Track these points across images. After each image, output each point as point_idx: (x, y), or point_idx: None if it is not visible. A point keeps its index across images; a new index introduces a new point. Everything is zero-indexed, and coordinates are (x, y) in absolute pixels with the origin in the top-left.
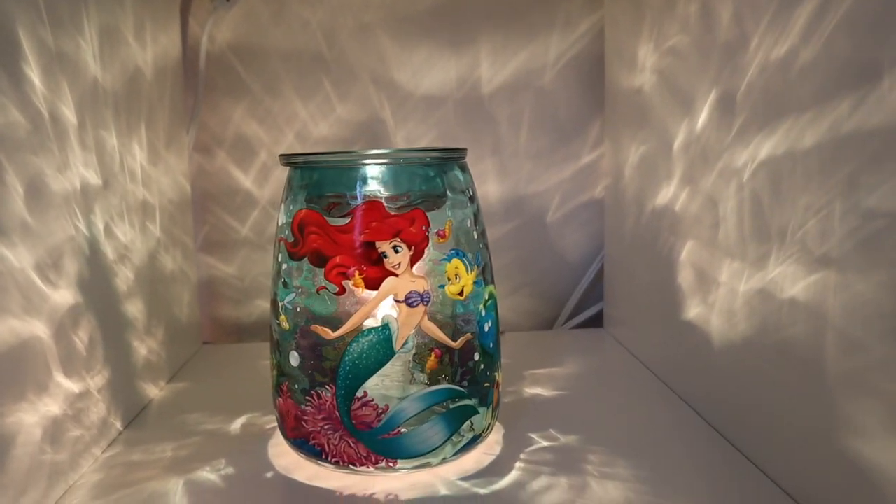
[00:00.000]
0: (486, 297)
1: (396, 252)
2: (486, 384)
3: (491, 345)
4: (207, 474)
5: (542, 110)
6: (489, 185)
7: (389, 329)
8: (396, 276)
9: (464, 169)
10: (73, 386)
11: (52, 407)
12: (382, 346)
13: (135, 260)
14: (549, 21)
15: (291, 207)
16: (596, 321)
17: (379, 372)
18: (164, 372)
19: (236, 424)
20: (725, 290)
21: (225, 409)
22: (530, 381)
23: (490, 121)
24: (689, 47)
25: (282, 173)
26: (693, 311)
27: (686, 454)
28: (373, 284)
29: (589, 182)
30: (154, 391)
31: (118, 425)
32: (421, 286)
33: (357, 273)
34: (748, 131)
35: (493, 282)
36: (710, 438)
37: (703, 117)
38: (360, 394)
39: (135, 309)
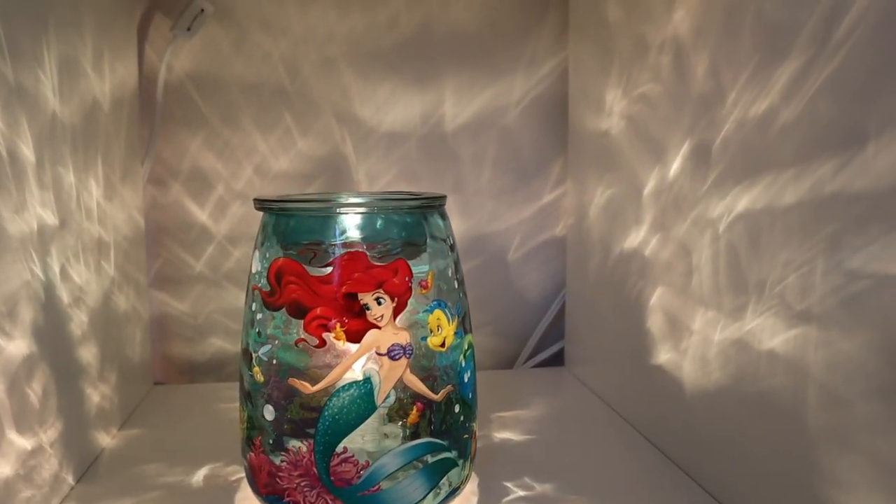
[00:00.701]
0: (466, 347)
1: (379, 304)
2: (465, 435)
3: (470, 395)
4: None
5: (505, 149)
6: (451, 222)
7: (371, 383)
8: (379, 328)
9: (444, 216)
10: (25, 443)
11: (4, 468)
12: (364, 400)
13: (89, 302)
14: (514, 60)
15: (267, 255)
16: (557, 360)
17: (359, 427)
18: (115, 418)
19: (198, 476)
20: (699, 337)
21: (184, 458)
22: (498, 425)
23: (453, 158)
24: (661, 96)
25: (239, 208)
26: (664, 356)
27: (660, 502)
28: (354, 337)
29: (550, 221)
30: (106, 439)
31: (70, 480)
32: (404, 339)
33: (338, 325)
34: (724, 183)
35: (471, 330)
36: (687, 487)
37: (675, 166)
38: (339, 449)
39: (89, 354)
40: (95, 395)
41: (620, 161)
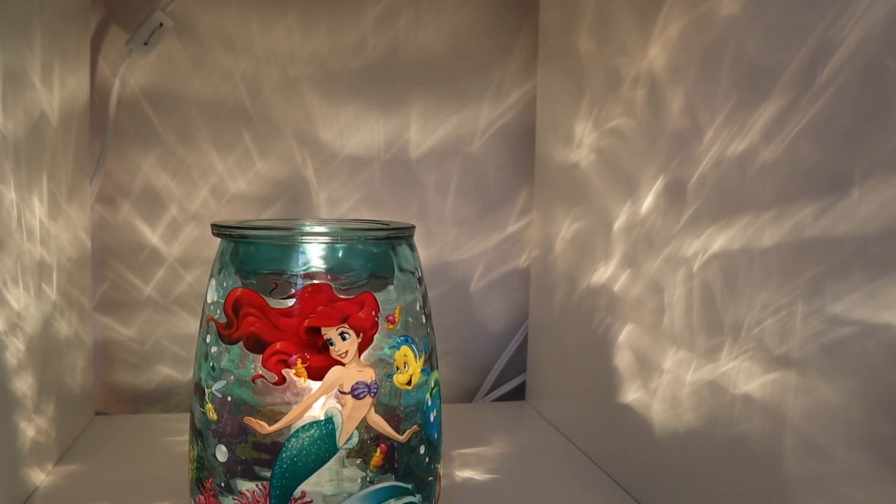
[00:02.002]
0: (433, 385)
1: (344, 339)
2: (430, 478)
3: (435, 435)
4: None
5: (470, 177)
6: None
7: (333, 423)
8: (343, 364)
9: (412, 247)
10: None
11: None
12: (325, 441)
13: (27, 329)
14: (481, 87)
15: (224, 284)
16: (518, 393)
17: (319, 469)
18: (52, 452)
19: None
20: (670, 377)
21: (126, 497)
22: (460, 463)
23: (417, 185)
24: (634, 131)
25: (193, 230)
26: (632, 394)
27: None
28: (316, 374)
29: (514, 251)
30: (40, 476)
31: None
32: (369, 376)
33: (300, 362)
34: (700, 222)
35: (437, 367)
36: None
37: (648, 201)
38: (297, 493)
39: (24, 385)
40: (30, 429)
41: (590, 194)
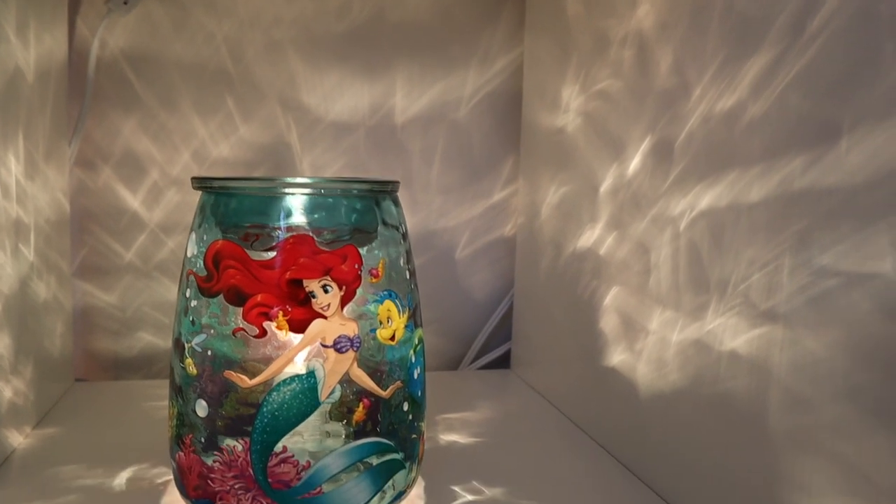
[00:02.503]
0: (416, 342)
1: (326, 292)
2: (413, 436)
3: (419, 393)
4: None
5: (456, 144)
6: None
7: (315, 377)
8: (325, 318)
9: (396, 203)
10: None
11: None
12: (306, 395)
13: (4, 288)
14: (467, 54)
15: (205, 237)
16: (503, 362)
17: (301, 424)
18: (30, 416)
19: (121, 479)
20: (655, 338)
21: (105, 459)
22: (444, 427)
23: (402, 152)
24: (621, 92)
25: (174, 195)
26: (617, 357)
27: None
28: (298, 327)
29: (500, 220)
30: (18, 439)
31: None
32: (351, 330)
33: (281, 314)
34: (687, 181)
35: (422, 324)
36: (641, 493)
37: (635, 162)
38: (278, 449)
39: (1, 345)
40: (7, 389)
41: (576, 158)
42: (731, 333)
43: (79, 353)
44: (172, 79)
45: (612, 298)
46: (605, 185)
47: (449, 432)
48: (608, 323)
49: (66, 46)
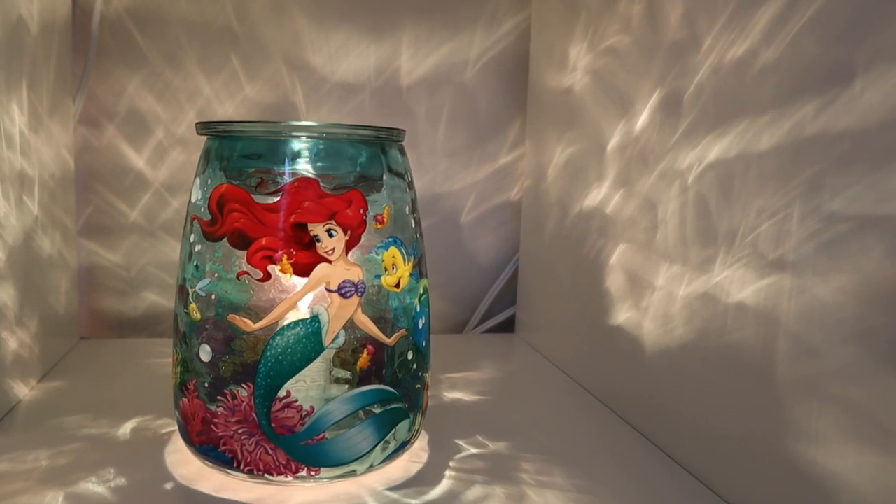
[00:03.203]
0: (422, 292)
1: (331, 236)
2: (418, 386)
3: (424, 343)
4: (93, 486)
5: (462, 107)
6: None
7: (319, 321)
8: (329, 262)
9: (402, 152)
10: None
11: None
12: (310, 340)
13: (7, 238)
14: (474, 16)
15: (209, 182)
16: (507, 326)
17: (304, 370)
18: (35, 369)
19: (125, 429)
20: (662, 294)
21: (110, 411)
22: (448, 386)
23: (408, 114)
24: (630, 47)
25: (179, 154)
26: (623, 315)
27: (622, 464)
28: (302, 271)
29: (505, 183)
30: (23, 390)
31: None
32: (356, 275)
33: (285, 257)
34: (695, 133)
35: (426, 275)
36: (644, 447)
37: (643, 118)
38: (281, 394)
39: (4, 295)
40: (12, 341)
41: (583, 117)
42: (739, 285)
43: (84, 311)
44: (177, 37)
45: (618, 257)
46: (613, 143)
47: (453, 390)
48: (614, 282)
49: (70, 1)
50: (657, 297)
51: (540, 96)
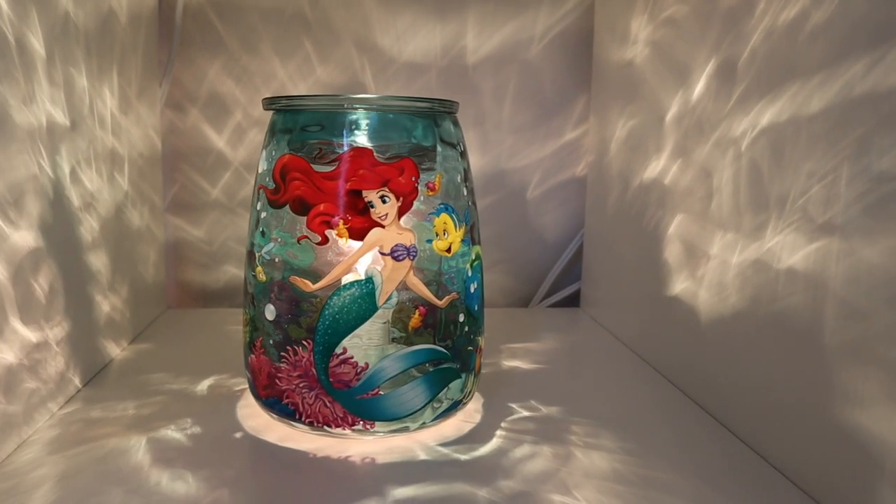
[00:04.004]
0: (473, 258)
1: (384, 202)
2: (470, 348)
3: (476, 307)
4: (172, 433)
5: (527, 84)
6: (470, 158)
7: (373, 283)
8: (383, 227)
9: (455, 123)
10: (30, 334)
11: (6, 354)
12: (365, 300)
13: (101, 210)
14: None
15: (273, 153)
16: (572, 301)
17: (360, 328)
18: (126, 332)
19: (203, 385)
20: (716, 262)
21: (191, 370)
22: (508, 355)
23: (474, 92)
24: (688, 17)
25: (256, 135)
26: (680, 286)
27: (672, 429)
28: (357, 235)
29: (571, 160)
30: (115, 350)
31: (77, 382)
32: (408, 239)
33: (341, 222)
34: (749, 99)
35: (480, 242)
36: (695, 414)
37: (699, 87)
38: (338, 350)
39: (99, 262)
40: (105, 304)
41: (643, 90)
42: (789, 250)
43: (171, 283)
44: (254, 23)
45: (675, 227)
46: (671, 114)
47: (512, 359)
48: (672, 252)
49: None
50: (712, 265)
51: (603, 71)
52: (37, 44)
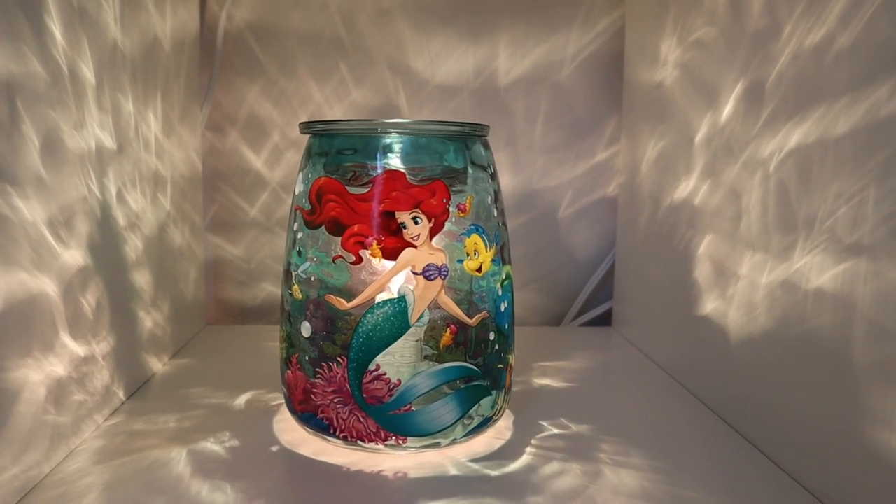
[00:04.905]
0: (504, 277)
1: (416, 223)
2: (500, 366)
3: (506, 325)
4: (211, 445)
5: (559, 105)
6: (502, 178)
7: (405, 301)
8: (415, 247)
9: (486, 146)
10: (78, 349)
11: (56, 367)
12: (397, 318)
13: (144, 230)
14: (569, 16)
15: (310, 176)
16: (604, 320)
17: (392, 346)
18: (167, 347)
19: (241, 400)
20: (745, 282)
21: (229, 385)
22: (539, 373)
23: (505, 113)
24: (716, 39)
25: (293, 156)
26: (709, 306)
27: (701, 448)
28: (390, 255)
29: (602, 180)
30: (157, 365)
31: (121, 395)
32: (439, 259)
33: (375, 243)
34: (777, 121)
35: (510, 262)
36: (725, 434)
37: (728, 109)
38: (372, 367)
39: (142, 279)
40: (148, 320)
41: (673, 111)
42: (818, 271)
43: (210, 300)
44: (291, 48)
45: (705, 247)
46: (700, 135)
47: (543, 377)
48: (701, 272)
49: (198, 20)
50: (741, 286)
51: (634, 92)
52: (88, 72)
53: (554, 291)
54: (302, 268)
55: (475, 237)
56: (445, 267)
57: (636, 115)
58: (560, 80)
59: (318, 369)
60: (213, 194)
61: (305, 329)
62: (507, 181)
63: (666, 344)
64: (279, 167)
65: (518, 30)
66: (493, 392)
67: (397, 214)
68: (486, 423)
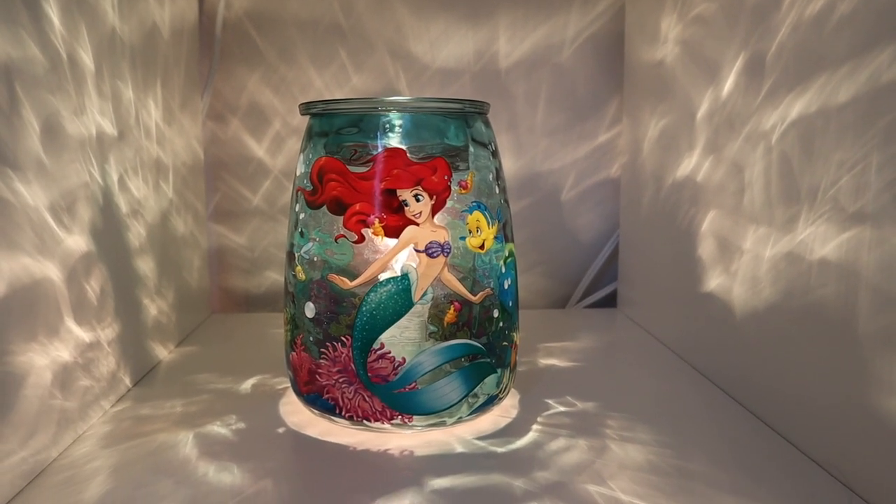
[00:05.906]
0: (507, 255)
1: (418, 201)
2: (505, 343)
3: (510, 303)
4: (218, 428)
5: (560, 87)
6: (504, 161)
7: (408, 279)
8: (417, 224)
9: (487, 123)
10: (83, 334)
11: (62, 352)
12: (401, 296)
13: (147, 217)
14: None
15: (311, 156)
16: (609, 301)
17: (396, 324)
18: (173, 335)
19: (247, 384)
20: (749, 257)
21: (235, 371)
22: (544, 353)
23: (506, 96)
24: (716, 14)
25: (295, 143)
26: (714, 282)
27: (707, 423)
28: (393, 233)
29: (605, 161)
30: (163, 352)
31: (127, 381)
32: (442, 236)
33: (377, 221)
34: (778, 93)
35: (512, 240)
36: (731, 408)
37: (729, 83)
38: (376, 346)
39: (146, 267)
40: (153, 307)
41: (674, 88)
42: (821, 241)
43: (214, 288)
44: (291, 35)
45: (708, 223)
46: (702, 111)
47: (548, 357)
48: (706, 249)
49: (197, 8)
50: (745, 260)
51: (635, 72)
52: (86, 58)
53: (558, 274)
54: (305, 248)
55: (477, 214)
56: (448, 244)
57: (638, 94)
58: (561, 61)
59: (322, 349)
60: (215, 183)
61: (309, 310)
62: (510, 164)
63: (671, 323)
64: (281, 155)
65: (517, 12)
66: (498, 370)
67: (399, 192)
68: (491, 401)
